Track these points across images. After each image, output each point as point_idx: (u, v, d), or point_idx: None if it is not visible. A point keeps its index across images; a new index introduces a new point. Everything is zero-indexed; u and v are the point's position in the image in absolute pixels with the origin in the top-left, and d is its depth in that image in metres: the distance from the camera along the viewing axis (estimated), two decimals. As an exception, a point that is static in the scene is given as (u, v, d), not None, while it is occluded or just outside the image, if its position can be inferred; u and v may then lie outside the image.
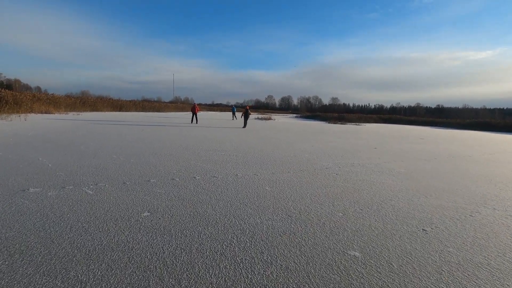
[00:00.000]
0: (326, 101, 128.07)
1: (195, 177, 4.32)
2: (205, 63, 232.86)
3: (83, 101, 29.80)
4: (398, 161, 6.78)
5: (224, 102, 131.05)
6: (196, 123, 18.28)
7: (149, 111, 40.20)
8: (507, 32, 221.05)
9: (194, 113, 18.66)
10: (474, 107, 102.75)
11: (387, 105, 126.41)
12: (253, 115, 43.15)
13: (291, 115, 63.48)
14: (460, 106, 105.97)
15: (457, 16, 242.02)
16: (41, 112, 20.84)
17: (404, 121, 40.07)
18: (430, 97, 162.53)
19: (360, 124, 29.62)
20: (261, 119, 30.71)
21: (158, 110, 43.58)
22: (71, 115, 21.12)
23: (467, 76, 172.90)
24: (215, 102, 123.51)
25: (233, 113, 29.45)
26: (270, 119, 31.02)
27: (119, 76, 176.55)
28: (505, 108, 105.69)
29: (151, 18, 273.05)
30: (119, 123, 14.79)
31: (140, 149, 6.70)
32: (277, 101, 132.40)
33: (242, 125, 17.19)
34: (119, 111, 34.54)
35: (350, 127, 22.68)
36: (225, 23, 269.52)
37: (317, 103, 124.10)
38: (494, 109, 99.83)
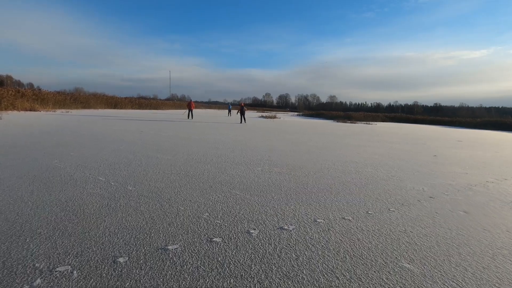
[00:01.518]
0: (323, 99, 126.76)
1: (249, 231, 2.31)
2: (202, 61, 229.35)
3: (74, 98, 27.35)
4: (500, 179, 4.87)
5: (221, 100, 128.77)
6: (192, 118, 19.26)
7: (145, 109, 37.85)
8: (501, 32, 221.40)
9: (190, 110, 19.73)
10: (470, 106, 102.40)
11: (384, 103, 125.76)
12: (257, 113, 41.14)
13: (292, 113, 61.59)
14: (457, 104, 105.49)
15: (451, 16, 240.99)
16: (25, 110, 18.50)
17: (411, 120, 38.49)
18: (426, 95, 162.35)
19: (370, 123, 27.83)
20: (266, 117, 28.70)
21: (155, 108, 41.25)
22: (59, 113, 18.80)
23: (462, 75, 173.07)
24: (212, 100, 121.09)
25: (229, 111, 30.42)
26: (275, 117, 29.05)
27: (115, 74, 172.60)
28: (500, 106, 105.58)
29: (147, 16, 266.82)
30: (112, 123, 12.65)
31: (140, 163, 4.66)
32: (274, 99, 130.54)
33: (240, 121, 17.72)
34: (114, 108, 32.16)
35: (364, 127, 20.84)
36: (222, 21, 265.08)
37: (315, 101, 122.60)
38: (490, 108, 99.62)
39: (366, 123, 27.00)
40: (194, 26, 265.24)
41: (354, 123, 27.12)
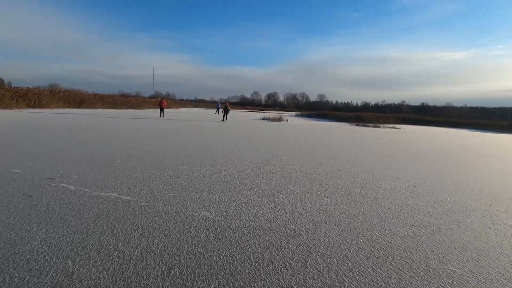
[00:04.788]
0: (311, 98, 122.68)
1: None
2: (189, 58, 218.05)
3: (21, 94, 20.02)
4: None
5: (207, 98, 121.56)
6: (163, 116, 18.58)
7: (121, 108, 30.75)
8: (480, 35, 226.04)
9: (162, 108, 18.96)
10: (456, 106, 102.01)
11: (370, 103, 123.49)
12: (257, 114, 35.20)
13: (289, 113, 56.01)
14: (442, 104, 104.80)
15: (434, 18, 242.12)
16: None
17: (422, 121, 34.15)
18: (411, 95, 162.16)
19: (396, 126, 22.74)
20: (271, 120, 22.83)
21: (133, 107, 34.09)
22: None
23: (445, 75, 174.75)
24: (198, 98, 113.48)
25: (217, 109, 31.34)
26: (281, 119, 23.26)
27: (97, 70, 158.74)
28: (479, 106, 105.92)
29: (133, 10, 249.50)
30: (29, 146, 6.30)
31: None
32: (263, 97, 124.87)
33: (222, 119, 18.49)
34: (78, 107, 24.97)
35: (397, 133, 15.53)
36: (210, 18, 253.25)
37: (304, 100, 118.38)
38: (475, 108, 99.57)
39: (393, 127, 21.87)
40: (183, 22, 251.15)
41: (377, 127, 21.91)
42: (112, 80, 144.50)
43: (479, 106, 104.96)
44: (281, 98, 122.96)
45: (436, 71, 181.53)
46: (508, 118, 51.19)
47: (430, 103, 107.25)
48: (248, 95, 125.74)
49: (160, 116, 18.61)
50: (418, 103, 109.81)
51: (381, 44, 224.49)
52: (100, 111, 23.57)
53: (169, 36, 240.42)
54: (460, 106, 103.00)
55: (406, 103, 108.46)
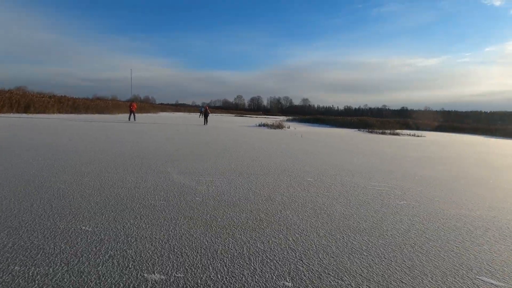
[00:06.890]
0: (296, 102, 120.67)
1: None
2: (169, 61, 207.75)
3: None
4: None
5: (189, 102, 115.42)
6: (134, 120, 17.85)
7: (83, 113, 25.13)
8: (451, 43, 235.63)
9: (132, 111, 18.23)
10: (432, 110, 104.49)
11: (353, 107, 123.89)
12: (253, 119, 30.91)
13: (276, 117, 52.23)
14: (417, 108, 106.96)
15: (409, 26, 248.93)
16: None
17: (430, 126, 31.81)
18: (390, 100, 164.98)
19: (417, 134, 19.56)
20: (271, 126, 18.75)
21: (102, 111, 28.46)
22: None
23: (420, 81, 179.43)
24: (180, 102, 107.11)
25: (201, 112, 30.21)
26: (281, 126, 19.23)
27: (70, 73, 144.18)
28: (453, 110, 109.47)
29: (112, 12, 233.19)
30: None
31: None
32: (246, 101, 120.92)
33: (204, 123, 18.12)
34: (24, 112, 19.27)
35: (448, 147, 12.19)
36: (191, 21, 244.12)
37: (287, 104, 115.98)
38: (450, 112, 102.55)
39: (414, 135, 18.67)
40: (163, 25, 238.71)
41: (396, 134, 18.62)
42: (88, 83, 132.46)
43: (453, 110, 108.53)
44: (265, 102, 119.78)
45: (411, 76, 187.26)
46: (481, 122, 51.75)
47: (409, 107, 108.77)
48: (231, 99, 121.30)
49: (130, 119, 17.70)
50: (398, 107, 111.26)
51: (360, 50, 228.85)
52: (51, 116, 18.12)
53: (148, 38, 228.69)
54: (435, 110, 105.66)
55: (387, 107, 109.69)
